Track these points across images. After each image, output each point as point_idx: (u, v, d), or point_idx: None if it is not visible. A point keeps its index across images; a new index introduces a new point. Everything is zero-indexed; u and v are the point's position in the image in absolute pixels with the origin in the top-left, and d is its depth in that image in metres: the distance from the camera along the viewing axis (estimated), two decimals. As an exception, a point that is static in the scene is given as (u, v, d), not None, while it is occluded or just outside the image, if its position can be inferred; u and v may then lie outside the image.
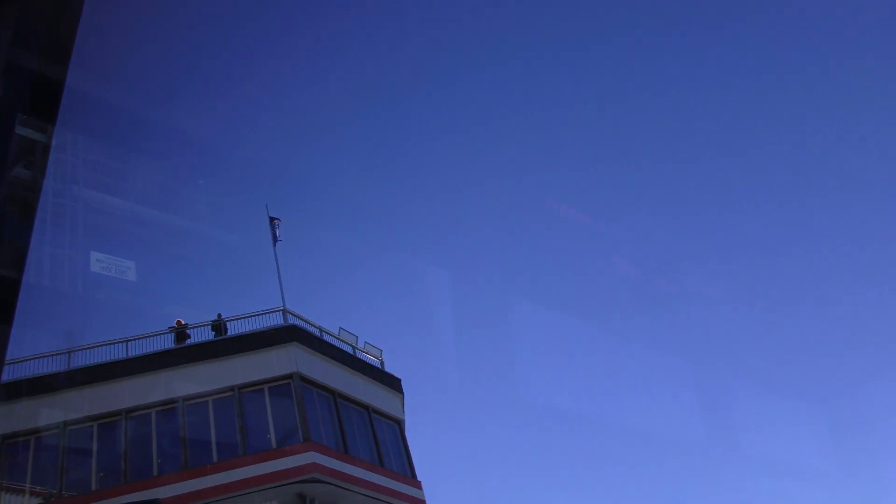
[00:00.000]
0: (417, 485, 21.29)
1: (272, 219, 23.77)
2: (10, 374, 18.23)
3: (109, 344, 20.06)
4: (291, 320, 21.08)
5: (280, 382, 19.82)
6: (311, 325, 21.75)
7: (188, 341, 20.82)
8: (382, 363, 23.70)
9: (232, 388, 19.52)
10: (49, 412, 18.91)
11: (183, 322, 21.12)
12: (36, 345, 19.52)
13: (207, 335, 20.98)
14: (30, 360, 19.10)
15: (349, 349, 22.63)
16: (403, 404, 23.51)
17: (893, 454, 47.05)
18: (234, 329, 21.03)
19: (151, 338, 20.39)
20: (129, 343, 20.11)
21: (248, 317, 21.14)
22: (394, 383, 23.34)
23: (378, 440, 21.12)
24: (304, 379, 19.90)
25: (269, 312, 21.25)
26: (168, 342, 20.57)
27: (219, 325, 21.05)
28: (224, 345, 20.35)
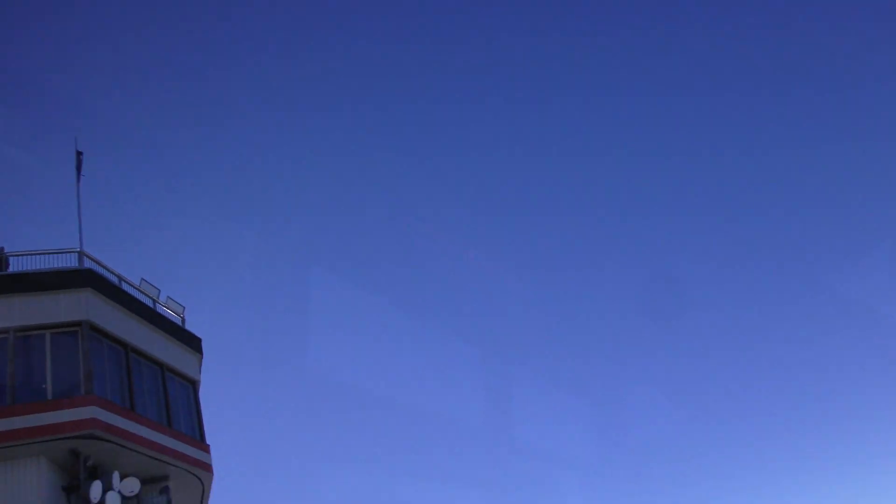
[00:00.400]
0: (206, 448, 20.63)
1: (79, 152, 21.82)
2: None
3: None
4: (88, 264, 19.51)
5: (66, 330, 18.29)
6: (110, 272, 20.26)
7: (-40, 273, 18.60)
8: (183, 320, 22.61)
9: (6, 330, 17.72)
10: None
11: (-44, 250, 18.84)
12: None
13: (-15, 269, 18.86)
14: None
15: (150, 303, 21.35)
16: (201, 365, 22.62)
17: (649, 449, 52.77)
18: (18, 266, 19.06)
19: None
20: None
21: (37, 254, 19.24)
22: (193, 342, 22.36)
23: (169, 400, 20.16)
24: (94, 328, 18.51)
25: (62, 252, 19.51)
26: (-66, 271, 18.28)
27: (-1, 260, 18.98)
28: (3, 281, 18.37)
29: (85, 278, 18.88)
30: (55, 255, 19.50)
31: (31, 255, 19.26)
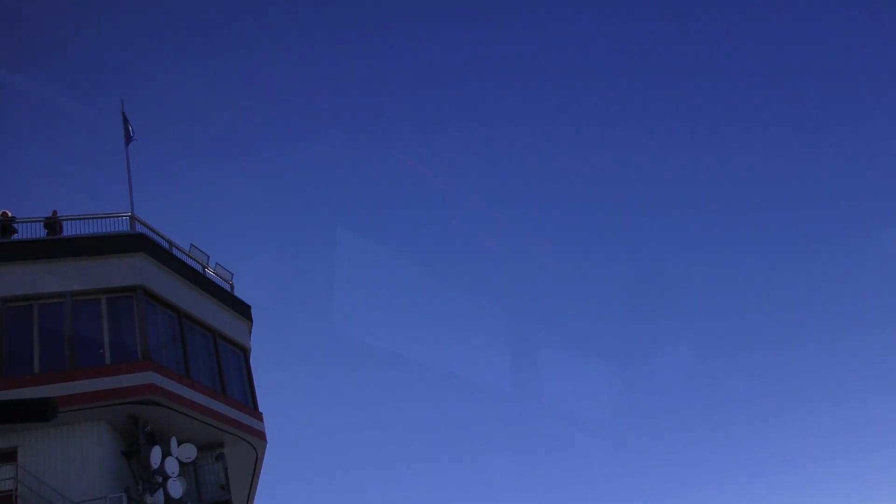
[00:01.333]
0: (259, 416, 20.42)
1: (125, 116, 21.45)
2: None
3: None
4: (140, 229, 19.19)
5: (121, 294, 18.04)
6: (161, 237, 19.94)
7: (14, 237, 18.36)
8: (232, 287, 22.32)
9: (63, 295, 17.49)
10: None
11: (9, 214, 18.58)
12: None
13: (39, 232, 18.60)
14: None
15: (199, 269, 21.05)
16: (250, 333, 22.36)
17: (674, 417, 52.36)
18: (71, 230, 18.78)
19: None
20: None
21: (89, 218, 18.94)
22: (243, 310, 22.09)
23: (222, 367, 19.91)
24: (148, 293, 18.24)
25: (114, 216, 19.20)
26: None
27: (53, 224, 18.69)
28: (58, 245, 18.12)
29: (138, 243, 18.58)
30: (107, 220, 19.20)
31: (84, 219, 18.96)
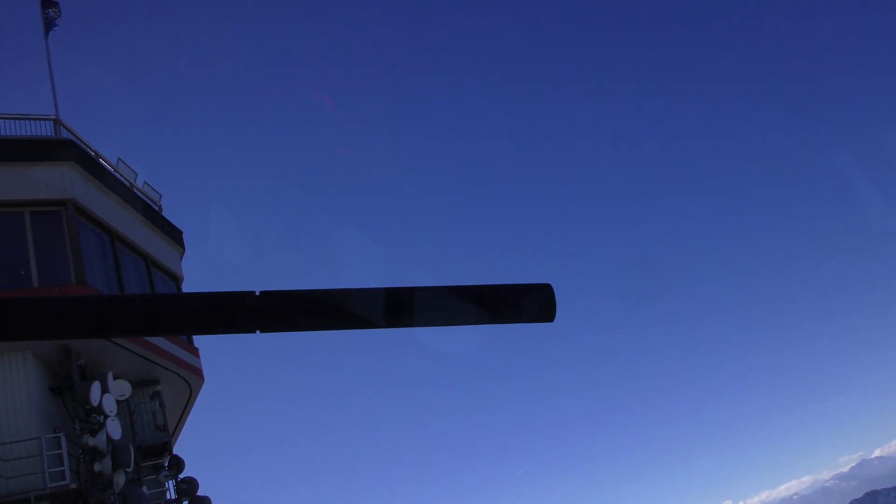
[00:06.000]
0: (195, 351, 18.67)
1: (46, 2, 18.40)
2: None
3: None
4: (66, 135, 16.67)
5: (48, 208, 15.66)
6: (88, 146, 17.45)
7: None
8: (160, 209, 20.08)
9: (-23, 205, 14.94)
10: None
11: None
12: None
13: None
14: None
15: (127, 186, 18.71)
16: (181, 260, 20.33)
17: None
18: (-17, 130, 15.99)
19: None
20: None
21: (5, 118, 16.20)
22: (175, 235, 19.98)
23: (157, 296, 17.92)
24: (79, 210, 15.95)
25: (35, 119, 16.56)
26: None
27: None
28: (-29, 146, 15.38)
29: (67, 151, 16.13)
30: (25, 122, 16.51)
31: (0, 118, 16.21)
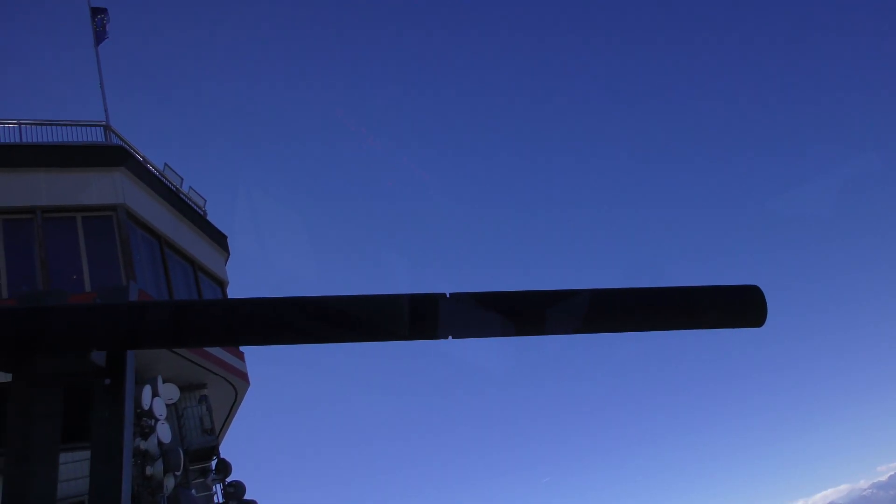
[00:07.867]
0: (241, 355, 18.76)
1: (95, 10, 18.69)
2: None
3: None
4: (115, 141, 16.87)
5: (99, 214, 15.83)
6: (136, 152, 17.65)
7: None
8: (205, 214, 20.26)
9: (32, 210, 15.15)
10: None
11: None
12: None
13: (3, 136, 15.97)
14: None
15: (174, 191, 18.88)
16: (226, 264, 20.47)
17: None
18: (36, 136, 16.24)
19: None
20: None
21: (57, 124, 16.44)
22: (220, 239, 20.14)
23: (204, 301, 18.03)
24: (130, 215, 16.11)
25: (86, 125, 16.79)
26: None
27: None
28: (26, 152, 15.62)
29: (118, 156, 16.31)
30: (76, 128, 16.76)
31: (50, 125, 16.45)
